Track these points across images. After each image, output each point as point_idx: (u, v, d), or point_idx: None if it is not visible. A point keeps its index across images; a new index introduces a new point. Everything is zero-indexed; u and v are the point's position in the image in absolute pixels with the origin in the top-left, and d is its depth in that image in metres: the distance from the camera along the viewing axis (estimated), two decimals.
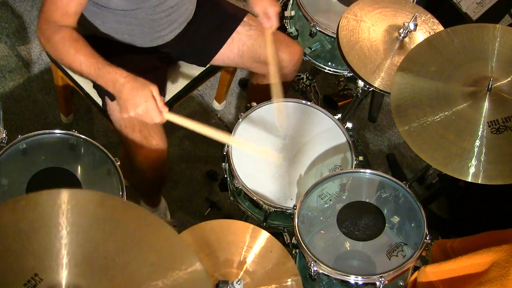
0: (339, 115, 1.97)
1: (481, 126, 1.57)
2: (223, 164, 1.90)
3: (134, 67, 1.84)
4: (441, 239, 1.77)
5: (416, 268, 1.65)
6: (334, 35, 2.00)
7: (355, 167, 1.84)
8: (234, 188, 1.83)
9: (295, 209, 1.66)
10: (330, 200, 1.71)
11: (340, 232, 1.65)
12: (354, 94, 2.35)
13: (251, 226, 1.60)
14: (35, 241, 1.11)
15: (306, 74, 2.60)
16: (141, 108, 1.55)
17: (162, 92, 1.89)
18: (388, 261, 1.59)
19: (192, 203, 2.36)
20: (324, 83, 2.72)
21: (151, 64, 1.87)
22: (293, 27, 2.25)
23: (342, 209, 1.69)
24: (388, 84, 1.85)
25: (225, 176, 1.92)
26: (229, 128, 2.52)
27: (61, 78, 2.09)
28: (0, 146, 1.65)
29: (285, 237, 1.87)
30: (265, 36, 1.90)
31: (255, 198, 1.77)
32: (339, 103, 2.62)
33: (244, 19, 1.97)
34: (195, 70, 2.07)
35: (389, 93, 1.76)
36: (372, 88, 1.89)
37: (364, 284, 1.56)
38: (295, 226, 1.63)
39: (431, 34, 1.93)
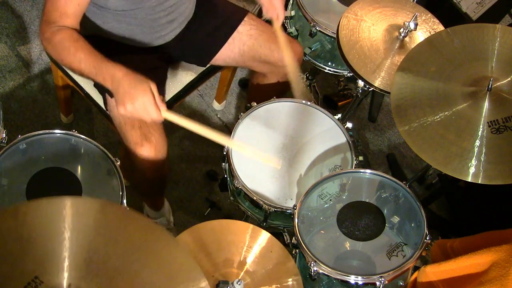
0: (339, 115, 1.97)
1: (481, 126, 1.57)
2: (223, 164, 1.90)
3: (135, 67, 1.84)
4: (441, 239, 1.77)
5: (416, 268, 1.65)
6: (334, 35, 2.00)
7: (355, 167, 1.84)
8: (234, 188, 1.83)
9: (295, 209, 1.66)
10: (330, 200, 1.71)
11: (340, 232, 1.65)
12: (354, 94, 2.35)
13: (251, 226, 1.60)
14: (35, 245, 1.11)
15: (306, 74, 2.60)
16: (138, 103, 1.52)
17: (162, 92, 1.89)
18: (388, 261, 1.59)
19: (192, 203, 2.36)
20: (324, 83, 2.72)
21: (151, 64, 1.87)
22: (293, 27, 2.25)
23: (342, 209, 1.69)
24: (388, 83, 1.85)
25: (225, 176, 1.92)
26: (229, 128, 2.52)
27: (61, 78, 2.09)
28: (0, 146, 1.65)
29: (285, 237, 1.87)
30: (274, 28, 1.87)
31: (255, 198, 1.77)
32: (339, 103, 2.62)
33: (245, 18, 1.97)
34: (195, 70, 2.07)
35: (389, 93, 1.76)
36: (372, 88, 1.89)
37: (364, 284, 1.55)
38: (295, 226, 1.63)
39: (432, 33, 1.93)
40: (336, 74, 2.25)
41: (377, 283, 1.53)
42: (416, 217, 1.65)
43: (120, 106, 1.55)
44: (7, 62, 2.51)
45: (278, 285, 1.51)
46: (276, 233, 1.73)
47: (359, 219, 1.67)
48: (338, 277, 1.56)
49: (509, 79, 1.63)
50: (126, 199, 1.64)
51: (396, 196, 1.71)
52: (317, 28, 2.08)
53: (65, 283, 1.08)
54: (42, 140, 1.69)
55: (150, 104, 1.53)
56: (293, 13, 2.23)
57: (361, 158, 1.89)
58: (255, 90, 2.16)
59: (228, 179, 1.90)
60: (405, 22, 1.89)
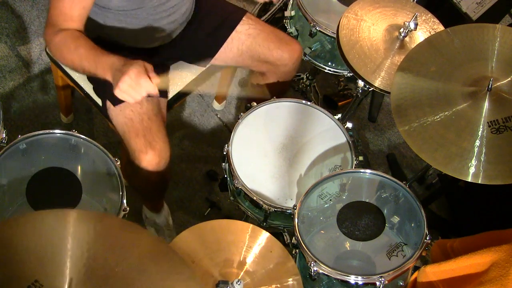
0: (339, 115, 1.97)
1: (481, 126, 1.57)
2: (223, 164, 1.90)
3: None
4: (441, 239, 1.77)
5: (416, 268, 1.65)
6: (334, 35, 2.00)
7: (355, 167, 1.84)
8: (234, 188, 1.83)
9: (295, 209, 1.66)
10: (330, 200, 1.71)
11: (340, 232, 1.65)
12: (354, 94, 2.35)
13: (251, 226, 1.60)
14: (37, 251, 1.12)
15: (306, 74, 2.60)
16: (130, 76, 1.49)
17: (164, 92, 1.89)
18: (388, 261, 1.59)
19: (192, 203, 2.36)
20: (324, 83, 2.72)
21: (152, 65, 1.87)
22: (293, 27, 2.25)
23: (342, 209, 1.69)
24: (388, 83, 1.85)
25: (225, 176, 1.92)
26: (229, 128, 2.52)
27: (61, 78, 2.09)
28: (0, 146, 1.65)
29: (285, 237, 1.87)
30: None
31: (255, 198, 1.77)
32: (339, 103, 2.62)
33: (243, 18, 1.97)
34: (195, 70, 2.07)
35: (389, 93, 1.76)
36: (372, 88, 1.89)
37: (364, 284, 1.55)
38: (295, 226, 1.63)
39: (432, 33, 1.93)
40: (336, 74, 2.25)
41: (377, 283, 1.53)
42: (416, 217, 1.65)
43: (115, 88, 1.52)
44: (7, 62, 2.51)
45: (278, 285, 1.51)
46: (276, 233, 1.73)
47: (359, 219, 1.67)
48: (338, 277, 1.56)
49: (509, 79, 1.63)
50: (126, 199, 1.64)
51: (396, 196, 1.71)
52: (317, 28, 2.08)
53: (65, 287, 1.09)
54: (42, 140, 1.69)
55: (142, 77, 1.50)
56: (293, 13, 2.23)
57: (361, 158, 1.89)
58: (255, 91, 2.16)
59: (228, 179, 1.90)
60: (405, 22, 1.89)
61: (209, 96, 2.61)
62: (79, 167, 1.68)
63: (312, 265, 1.57)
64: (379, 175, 1.74)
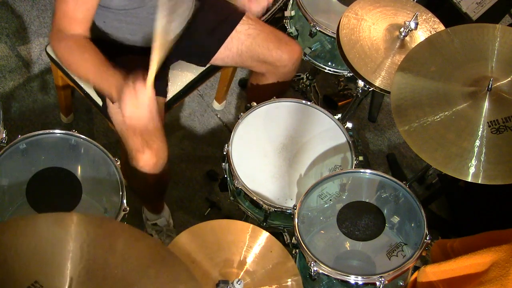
0: (339, 115, 1.97)
1: (481, 126, 1.57)
2: (223, 164, 1.90)
3: (135, 67, 1.84)
4: (441, 239, 1.77)
5: (416, 268, 1.65)
6: (334, 35, 2.00)
7: (355, 167, 1.84)
8: (234, 188, 1.83)
9: (295, 209, 1.66)
10: (330, 200, 1.71)
11: (340, 232, 1.65)
12: (354, 94, 2.35)
13: (251, 226, 1.60)
14: (38, 253, 1.13)
15: (306, 74, 2.60)
16: (128, 103, 1.50)
17: (163, 92, 1.89)
18: (388, 261, 1.59)
19: (192, 203, 2.36)
20: (324, 83, 2.72)
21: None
22: (293, 27, 2.25)
23: (342, 209, 1.69)
24: (388, 83, 1.85)
25: (225, 176, 1.92)
26: (229, 128, 2.52)
27: (61, 78, 2.09)
28: (0, 146, 1.65)
29: (285, 237, 1.87)
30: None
31: (255, 198, 1.77)
32: (339, 103, 2.62)
33: (243, 18, 1.97)
34: (195, 70, 2.07)
35: (389, 93, 1.76)
36: (372, 88, 1.89)
37: (364, 284, 1.55)
38: (295, 226, 1.63)
39: (432, 33, 1.93)
40: (336, 74, 2.25)
41: (377, 283, 1.53)
42: (416, 217, 1.65)
43: (124, 117, 1.54)
44: (7, 62, 2.51)
45: (278, 285, 1.51)
46: (276, 233, 1.73)
47: (359, 219, 1.67)
48: (338, 277, 1.56)
49: (509, 79, 1.63)
50: (126, 199, 1.64)
51: (396, 196, 1.71)
52: (317, 28, 2.08)
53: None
54: (42, 140, 1.69)
55: (134, 96, 1.51)
56: (293, 13, 2.23)
57: (361, 158, 1.89)
58: (255, 90, 2.16)
59: (228, 179, 1.90)
60: (406, 22, 1.89)
61: (209, 96, 2.62)
62: (79, 167, 1.68)
63: (312, 265, 1.57)
64: (379, 175, 1.74)
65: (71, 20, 1.60)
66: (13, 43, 2.56)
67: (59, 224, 1.18)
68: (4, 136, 1.66)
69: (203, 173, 2.42)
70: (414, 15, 1.87)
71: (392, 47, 1.92)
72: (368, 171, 1.74)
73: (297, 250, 1.68)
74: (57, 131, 1.70)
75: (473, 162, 1.54)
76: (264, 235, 1.58)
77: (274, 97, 1.95)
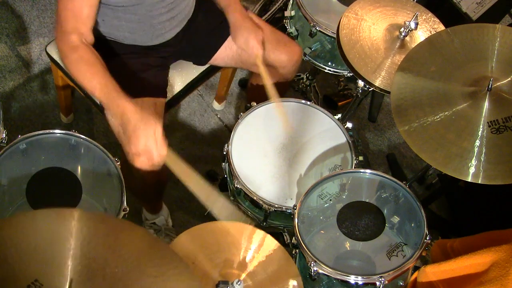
0: (339, 115, 1.97)
1: (481, 126, 1.57)
2: (223, 164, 1.90)
3: (135, 67, 1.84)
4: (441, 239, 1.77)
5: (416, 268, 1.65)
6: (334, 35, 2.00)
7: (355, 167, 1.84)
8: (234, 188, 1.83)
9: (295, 209, 1.66)
10: (330, 200, 1.71)
11: (340, 232, 1.65)
12: (354, 94, 2.35)
13: (251, 226, 1.60)
14: (38, 251, 1.13)
15: (306, 74, 2.60)
16: (142, 140, 1.53)
17: (163, 92, 1.89)
18: (388, 261, 1.59)
19: (192, 203, 2.36)
20: (324, 83, 2.72)
21: (151, 64, 1.87)
22: (293, 27, 2.25)
23: (342, 209, 1.69)
24: (388, 83, 1.85)
25: (225, 176, 1.92)
26: (229, 128, 2.52)
27: (61, 78, 2.09)
28: (0, 146, 1.65)
29: (285, 237, 1.87)
30: (256, 62, 1.87)
31: (255, 198, 1.77)
32: (339, 103, 2.62)
33: None
34: (195, 70, 2.07)
35: (389, 93, 1.76)
36: (372, 88, 1.89)
37: (364, 284, 1.55)
38: (295, 226, 1.63)
39: (432, 33, 1.93)
40: (336, 74, 2.25)
41: (377, 283, 1.53)
42: (416, 217, 1.65)
43: (127, 147, 1.56)
44: (7, 62, 2.51)
45: (278, 286, 1.51)
46: (276, 233, 1.73)
47: (359, 219, 1.67)
48: (338, 277, 1.56)
49: (509, 79, 1.63)
50: (126, 199, 1.64)
51: (396, 196, 1.71)
52: (317, 28, 2.08)
53: (66, 287, 1.09)
54: (42, 140, 1.69)
55: (152, 148, 1.54)
56: (293, 13, 2.23)
57: (361, 158, 1.89)
58: (255, 90, 2.16)
59: (228, 179, 1.90)
60: (406, 22, 1.89)
61: (209, 96, 2.62)
62: (79, 167, 1.68)
63: (312, 265, 1.57)
64: (379, 175, 1.74)
65: (76, 19, 1.60)
66: (13, 43, 2.56)
67: (59, 220, 1.17)
68: (4, 136, 1.66)
69: (203, 173, 2.42)
70: (414, 15, 1.87)
71: (392, 47, 1.92)
72: (368, 171, 1.74)
73: (297, 250, 1.68)
74: (57, 131, 1.70)
75: (473, 162, 1.54)
76: (264, 235, 1.58)
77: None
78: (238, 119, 1.89)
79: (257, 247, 1.56)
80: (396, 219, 1.67)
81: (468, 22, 2.29)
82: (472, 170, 1.53)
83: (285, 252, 1.57)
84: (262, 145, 1.87)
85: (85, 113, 2.46)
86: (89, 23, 1.64)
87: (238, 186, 1.78)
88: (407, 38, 1.92)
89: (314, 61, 2.23)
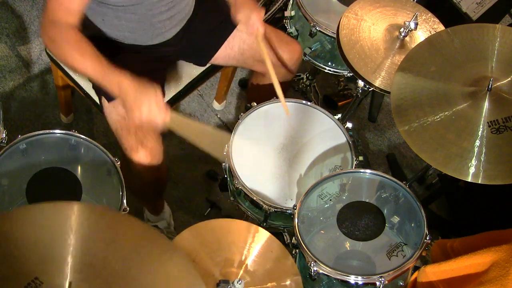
0: (339, 115, 1.97)
1: (481, 126, 1.57)
2: (223, 164, 1.90)
3: (135, 66, 1.84)
4: (441, 239, 1.77)
5: (416, 268, 1.65)
6: (334, 35, 2.00)
7: (355, 167, 1.84)
8: (234, 188, 1.83)
9: (295, 209, 1.66)
10: (330, 200, 1.71)
11: (340, 232, 1.65)
12: (354, 94, 2.35)
13: (252, 225, 1.60)
14: (38, 247, 1.12)
15: (306, 74, 2.60)
16: (145, 107, 1.53)
17: (162, 92, 1.89)
18: (388, 261, 1.59)
19: (192, 203, 2.36)
20: (324, 83, 2.72)
21: (151, 64, 1.87)
22: (293, 27, 2.25)
23: (342, 209, 1.69)
24: (388, 83, 1.85)
25: (225, 176, 1.92)
26: (229, 128, 2.52)
27: (61, 78, 2.09)
28: (0, 146, 1.65)
29: (285, 237, 1.87)
30: (256, 40, 1.86)
31: (255, 198, 1.77)
32: (339, 103, 2.62)
33: None
34: (195, 70, 2.07)
35: (389, 93, 1.76)
36: (372, 88, 1.89)
37: (364, 284, 1.55)
38: (295, 226, 1.63)
39: (432, 33, 1.93)
40: (336, 74, 2.25)
41: (377, 283, 1.53)
42: (416, 217, 1.65)
43: (130, 115, 1.56)
44: (7, 62, 2.51)
45: (278, 285, 1.51)
46: (276, 233, 1.73)
47: (359, 219, 1.67)
48: (338, 277, 1.56)
49: (509, 79, 1.63)
50: (126, 199, 1.64)
51: (396, 196, 1.71)
52: (317, 28, 2.08)
53: (66, 285, 1.09)
54: (42, 140, 1.69)
55: (156, 107, 1.54)
56: (293, 13, 2.23)
57: (361, 158, 1.89)
58: (255, 90, 2.16)
59: (228, 179, 1.90)
60: (406, 22, 1.89)
61: (209, 96, 2.61)
62: (79, 167, 1.68)
63: (312, 265, 1.57)
64: (379, 175, 1.74)
65: (66, 10, 1.59)
66: (13, 43, 2.56)
67: (59, 214, 1.16)
68: (4, 136, 1.66)
69: (203, 173, 2.42)
70: (414, 15, 1.87)
71: (392, 47, 1.92)
72: (368, 171, 1.74)
73: (297, 250, 1.68)
74: (57, 131, 1.70)
75: (473, 162, 1.54)
76: (264, 235, 1.59)
77: (274, 97, 1.95)
78: (238, 119, 1.89)
79: (257, 246, 1.56)
80: (396, 219, 1.67)
81: (468, 22, 2.29)
82: (472, 170, 1.53)
83: (285, 252, 1.57)
84: (262, 145, 1.87)
85: (85, 113, 2.46)
86: (78, 15, 1.62)
87: (238, 186, 1.78)
88: (407, 38, 1.92)
89: (314, 61, 2.23)
